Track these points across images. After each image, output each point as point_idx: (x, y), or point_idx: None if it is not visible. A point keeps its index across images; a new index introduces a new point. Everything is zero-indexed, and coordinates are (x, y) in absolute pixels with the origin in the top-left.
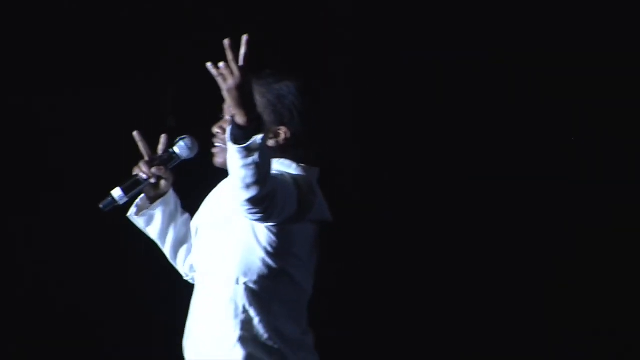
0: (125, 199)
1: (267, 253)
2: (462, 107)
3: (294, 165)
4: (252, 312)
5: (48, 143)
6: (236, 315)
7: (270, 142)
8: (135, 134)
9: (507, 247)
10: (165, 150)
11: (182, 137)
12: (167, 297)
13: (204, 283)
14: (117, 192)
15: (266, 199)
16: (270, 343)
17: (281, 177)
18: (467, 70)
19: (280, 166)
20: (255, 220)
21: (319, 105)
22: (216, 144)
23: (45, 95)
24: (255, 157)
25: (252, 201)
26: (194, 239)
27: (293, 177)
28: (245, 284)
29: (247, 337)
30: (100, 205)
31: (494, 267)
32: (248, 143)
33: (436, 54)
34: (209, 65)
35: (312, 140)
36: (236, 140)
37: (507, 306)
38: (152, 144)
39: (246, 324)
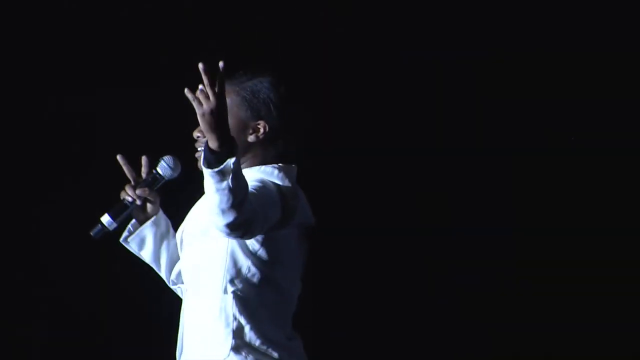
0: (115, 225)
1: (253, 261)
2: (462, 107)
3: (276, 172)
4: (242, 320)
5: (81, 143)
6: (227, 325)
7: (251, 138)
8: (119, 157)
9: (505, 248)
10: (149, 172)
11: (163, 157)
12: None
13: (192, 294)
14: (105, 218)
15: (244, 224)
16: (263, 348)
17: (263, 188)
18: (467, 70)
19: (262, 174)
20: (236, 239)
21: (293, 98)
22: (198, 149)
23: (80, 95)
24: (229, 181)
25: (229, 226)
26: (179, 250)
27: (276, 185)
28: (233, 292)
29: (240, 344)
30: (91, 233)
31: (491, 268)
32: (221, 167)
33: (436, 54)
34: (186, 90)
35: (290, 132)
36: (209, 164)
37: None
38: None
39: (238, 332)
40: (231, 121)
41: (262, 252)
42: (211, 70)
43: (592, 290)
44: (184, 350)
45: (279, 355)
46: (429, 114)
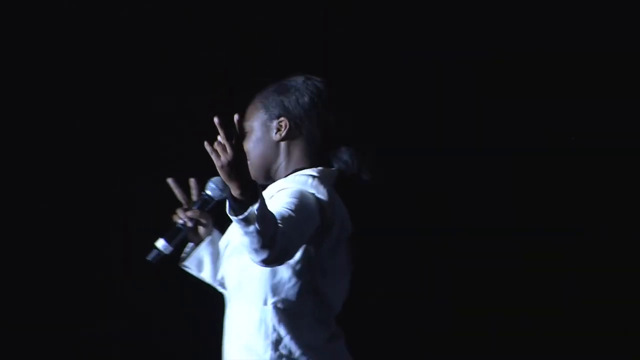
0: (171, 248)
1: (293, 271)
2: (462, 107)
3: (310, 180)
4: (282, 331)
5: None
6: (267, 337)
7: (276, 137)
8: (169, 180)
9: (505, 248)
10: (199, 194)
11: (212, 178)
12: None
13: (234, 303)
14: (160, 243)
15: (279, 256)
16: (303, 359)
17: (298, 204)
18: (467, 70)
19: (297, 184)
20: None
21: (310, 89)
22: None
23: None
24: (256, 225)
25: (265, 262)
26: (222, 258)
27: (312, 196)
28: (273, 303)
29: (279, 356)
30: (148, 258)
31: (491, 268)
32: (245, 214)
33: (436, 54)
34: (205, 143)
35: (315, 122)
36: (234, 212)
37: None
38: None
39: (277, 343)
40: (257, 128)
41: (302, 263)
42: (226, 123)
43: (592, 290)
44: (224, 357)
45: None
46: (429, 114)
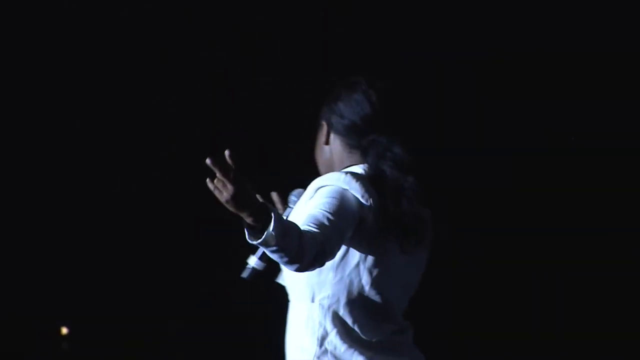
0: (264, 264)
1: (336, 269)
2: (462, 107)
3: (342, 175)
4: (328, 327)
5: None
6: (313, 333)
7: (322, 140)
8: (273, 194)
9: (505, 248)
10: (284, 208)
11: (292, 192)
12: None
13: (291, 301)
14: (252, 260)
15: (312, 262)
16: (349, 353)
17: (333, 201)
18: (467, 70)
19: (332, 181)
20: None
21: (342, 91)
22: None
23: None
24: (275, 245)
25: (300, 271)
26: None
27: (348, 192)
28: (320, 300)
29: (324, 352)
30: (243, 276)
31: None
32: (262, 238)
33: (436, 54)
34: (207, 181)
35: (348, 122)
36: (252, 237)
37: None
38: None
39: (322, 339)
40: (318, 134)
41: (345, 260)
42: (220, 163)
43: (592, 290)
44: (286, 350)
45: (363, 358)
46: (429, 114)
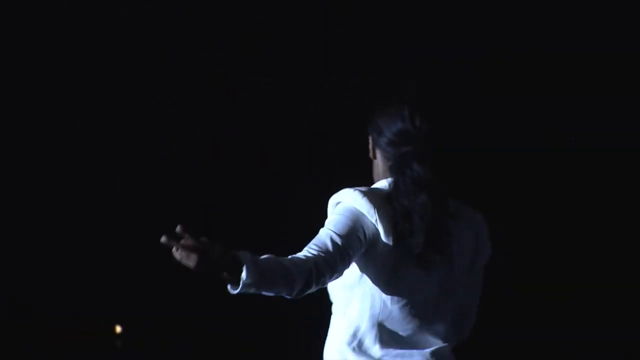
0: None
1: (358, 284)
2: (461, 107)
3: (351, 191)
4: (349, 342)
5: None
6: (340, 348)
7: (371, 156)
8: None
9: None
10: None
11: None
12: None
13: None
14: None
15: (304, 289)
16: None
17: (339, 220)
18: (467, 70)
19: (344, 197)
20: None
21: (383, 106)
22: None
23: None
24: (256, 287)
25: (294, 298)
26: None
27: (355, 209)
28: (349, 316)
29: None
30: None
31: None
32: (240, 289)
33: (436, 54)
34: (173, 251)
35: (389, 145)
36: (232, 287)
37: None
38: None
39: (344, 353)
40: None
41: (364, 276)
42: (174, 240)
43: (592, 290)
44: None
45: None
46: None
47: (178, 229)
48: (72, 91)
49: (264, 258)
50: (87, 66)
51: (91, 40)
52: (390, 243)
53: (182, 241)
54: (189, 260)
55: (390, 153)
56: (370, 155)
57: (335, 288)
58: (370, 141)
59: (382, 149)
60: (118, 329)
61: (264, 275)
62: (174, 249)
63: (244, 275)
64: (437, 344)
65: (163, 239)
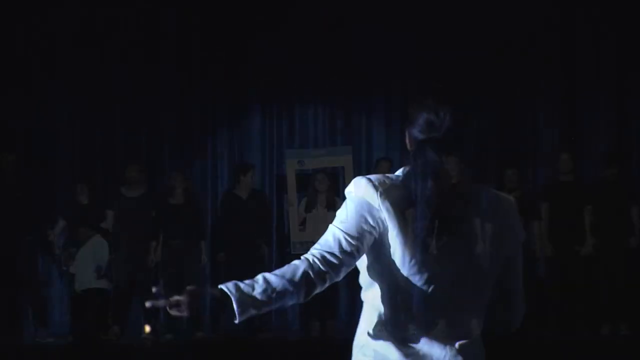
0: None
1: (372, 269)
2: (461, 107)
3: (363, 180)
4: (371, 321)
5: None
6: (363, 327)
7: (408, 146)
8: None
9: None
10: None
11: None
12: None
13: None
14: None
15: (311, 291)
16: (385, 346)
17: (347, 213)
18: (467, 70)
19: (355, 187)
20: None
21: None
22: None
23: None
24: (255, 309)
25: (303, 301)
26: None
27: (364, 199)
28: (372, 299)
29: (365, 343)
30: None
31: None
32: (240, 318)
33: (436, 54)
34: (167, 309)
35: (419, 133)
36: (235, 317)
37: None
38: None
39: (365, 333)
40: None
41: (377, 261)
42: (158, 303)
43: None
44: None
45: (399, 354)
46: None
47: (154, 289)
48: (72, 91)
49: (251, 292)
50: (87, 66)
51: (91, 40)
52: (397, 228)
53: (169, 302)
54: (184, 312)
55: (418, 139)
56: (408, 146)
57: (360, 276)
58: (407, 135)
59: (413, 139)
60: (147, 328)
61: (255, 302)
62: (167, 309)
63: (235, 305)
64: (461, 332)
65: (148, 304)
